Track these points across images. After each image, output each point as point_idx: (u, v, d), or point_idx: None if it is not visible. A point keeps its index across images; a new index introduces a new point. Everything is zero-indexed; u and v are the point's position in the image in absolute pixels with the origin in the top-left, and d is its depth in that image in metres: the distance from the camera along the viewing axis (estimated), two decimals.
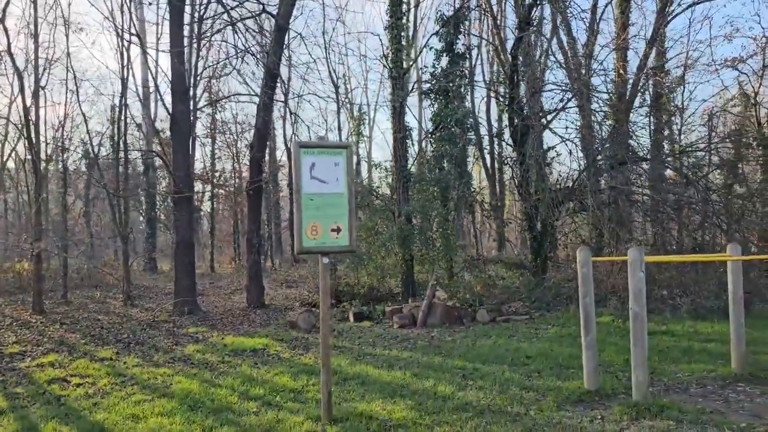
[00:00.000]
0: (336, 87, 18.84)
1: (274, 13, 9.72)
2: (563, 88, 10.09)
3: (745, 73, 12.00)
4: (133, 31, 10.84)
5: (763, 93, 12.44)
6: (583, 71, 10.67)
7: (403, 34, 9.98)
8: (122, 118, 11.45)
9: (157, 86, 11.22)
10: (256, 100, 11.07)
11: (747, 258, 4.45)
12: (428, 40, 10.69)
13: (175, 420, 3.63)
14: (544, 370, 4.90)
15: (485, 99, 20.03)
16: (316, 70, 21.54)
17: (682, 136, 13.48)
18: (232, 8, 9.47)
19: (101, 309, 10.40)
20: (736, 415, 3.36)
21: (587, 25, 10.79)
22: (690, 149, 10.71)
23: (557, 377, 4.59)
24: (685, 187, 9.95)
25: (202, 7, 10.11)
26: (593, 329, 4.13)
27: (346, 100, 21.91)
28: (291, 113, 15.39)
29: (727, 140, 11.27)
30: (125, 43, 10.77)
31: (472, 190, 12.62)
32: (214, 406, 4.01)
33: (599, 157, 9.67)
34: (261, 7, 9.71)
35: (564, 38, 11.93)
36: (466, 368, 5.24)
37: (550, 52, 12.48)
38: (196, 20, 10.56)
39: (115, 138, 13.06)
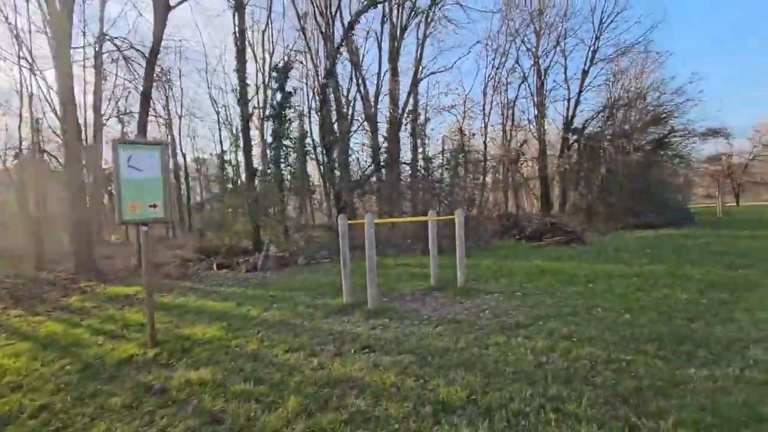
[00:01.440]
0: (216, 111, 22.66)
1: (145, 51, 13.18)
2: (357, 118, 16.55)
3: (454, 115, 20.75)
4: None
5: (467, 126, 21.44)
6: (372, 108, 17.34)
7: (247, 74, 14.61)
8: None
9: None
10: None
11: (437, 218, 7.26)
12: (268, 80, 15.96)
13: (20, 359, 4.35)
14: (327, 293, 7.11)
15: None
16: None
17: (428, 149, 21.99)
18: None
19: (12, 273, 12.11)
20: (426, 310, 5.72)
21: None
22: (431, 158, 18.53)
23: (332, 297, 6.71)
24: (426, 179, 17.59)
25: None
26: (348, 264, 6.22)
27: (226, 121, 25.19)
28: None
29: (450, 154, 19.61)
30: None
31: (309, 182, 18.25)
32: (67, 343, 4.90)
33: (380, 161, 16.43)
34: (129, 44, 13.09)
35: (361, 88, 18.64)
36: (277, 296, 7.18)
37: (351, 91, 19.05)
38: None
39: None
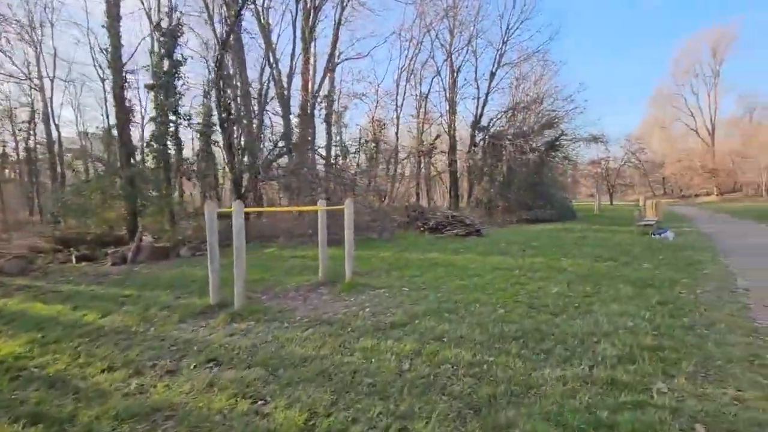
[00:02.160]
0: (102, 78, 19.27)
1: None
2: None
3: (366, 103, 20.38)
4: None
5: (381, 116, 21.26)
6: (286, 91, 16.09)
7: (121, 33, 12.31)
8: None
9: None
10: None
11: (325, 208, 6.38)
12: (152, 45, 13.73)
13: None
14: (196, 292, 6.11)
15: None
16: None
17: (345, 137, 21.46)
18: None
19: None
20: (303, 309, 5.08)
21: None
22: (341, 146, 17.89)
23: (200, 296, 5.74)
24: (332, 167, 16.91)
25: None
26: (217, 259, 5.31)
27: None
28: None
29: (359, 143, 19.22)
30: None
31: (215, 165, 16.38)
32: None
33: (280, 145, 15.32)
34: None
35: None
36: (131, 296, 6.06)
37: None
38: None
39: None
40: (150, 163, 12.46)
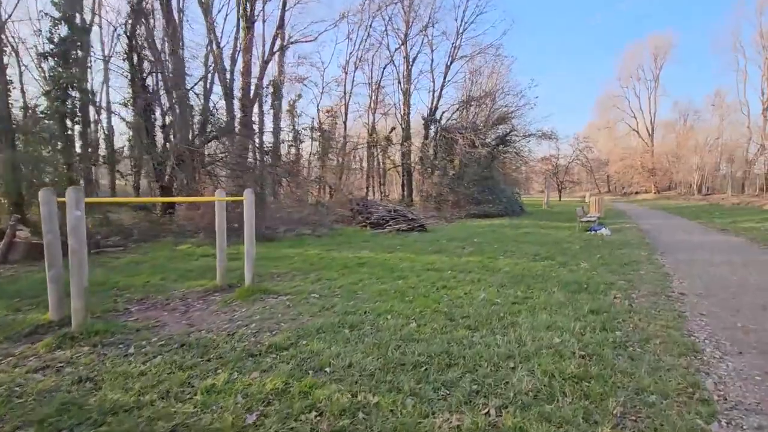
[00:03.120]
0: None
1: None
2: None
3: (309, 88, 19.08)
4: None
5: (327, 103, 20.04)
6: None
7: None
8: None
9: None
10: None
11: (224, 199, 5.30)
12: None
13: None
14: (46, 302, 4.37)
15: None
16: None
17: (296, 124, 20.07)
18: None
19: None
20: (174, 325, 4.11)
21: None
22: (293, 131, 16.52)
23: (47, 309, 4.25)
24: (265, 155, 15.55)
25: None
26: (59, 263, 4.08)
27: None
28: None
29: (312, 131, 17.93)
30: None
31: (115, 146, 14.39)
32: None
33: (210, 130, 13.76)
34: None
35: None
36: None
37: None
38: None
39: None
40: (39, 144, 10.56)
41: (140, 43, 12.36)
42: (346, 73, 23.53)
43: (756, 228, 12.98)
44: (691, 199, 38.89)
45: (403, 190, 27.71)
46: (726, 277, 6.29)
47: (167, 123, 13.28)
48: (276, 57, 21.49)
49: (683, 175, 47.63)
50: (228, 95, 18.93)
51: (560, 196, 49.26)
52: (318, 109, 17.97)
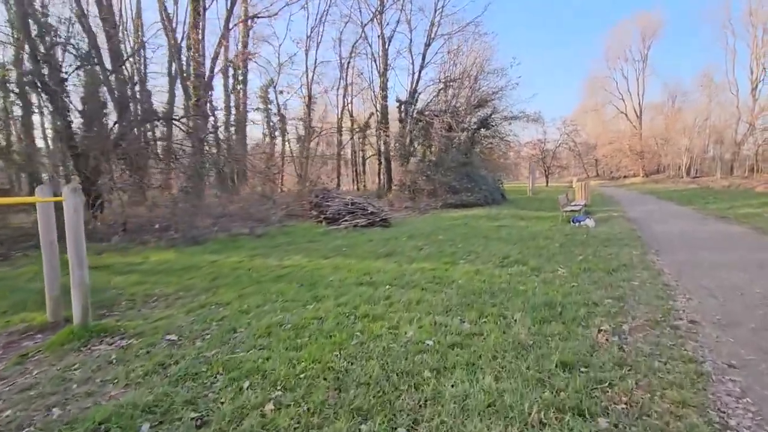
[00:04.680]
0: None
1: None
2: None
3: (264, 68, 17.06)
4: None
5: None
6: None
7: None
8: None
9: None
10: None
11: (50, 199, 3.96)
12: None
13: None
14: None
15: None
16: None
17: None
18: None
19: None
20: None
21: None
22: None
23: None
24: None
25: None
26: None
27: None
28: None
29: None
30: None
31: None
32: None
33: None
34: None
35: None
36: None
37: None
38: None
39: None
40: None
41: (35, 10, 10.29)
42: (306, 53, 21.46)
43: (757, 214, 11.61)
44: (679, 182, 37.83)
45: (379, 180, 26.02)
46: (745, 288, 4.78)
47: (86, 107, 11.30)
48: (236, 36, 19.43)
49: (672, 158, 46.61)
50: (172, 76, 16.91)
51: (547, 182, 47.97)
52: (275, 92, 16.09)
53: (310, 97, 20.51)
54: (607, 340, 3.35)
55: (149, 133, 12.70)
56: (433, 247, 7.97)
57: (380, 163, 25.91)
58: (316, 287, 5.26)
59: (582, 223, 10.47)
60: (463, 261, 6.60)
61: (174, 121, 12.32)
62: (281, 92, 16.45)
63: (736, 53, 38.90)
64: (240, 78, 21.53)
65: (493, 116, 23.33)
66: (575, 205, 13.37)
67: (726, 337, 3.39)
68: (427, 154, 21.79)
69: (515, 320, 3.86)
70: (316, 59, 21.84)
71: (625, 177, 51.47)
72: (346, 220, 11.20)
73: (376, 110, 25.81)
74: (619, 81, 53.17)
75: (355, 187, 28.46)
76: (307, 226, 11.73)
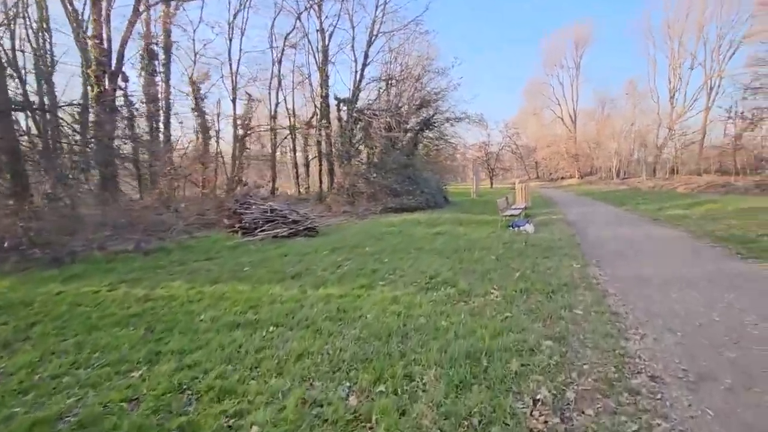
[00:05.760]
0: None
1: None
2: None
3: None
4: None
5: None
6: None
7: None
8: None
9: None
10: None
11: None
12: None
13: None
14: None
15: None
16: None
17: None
18: None
19: None
20: None
21: None
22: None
23: None
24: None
25: None
26: None
27: None
28: None
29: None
30: None
31: None
32: None
33: None
34: None
35: None
36: None
37: None
38: None
39: None
40: None
41: None
42: (230, 41, 19.49)
43: (687, 216, 11.67)
44: (611, 183, 39.94)
45: (320, 182, 24.52)
46: (702, 315, 4.03)
47: None
48: (156, 24, 16.99)
49: (603, 161, 49.36)
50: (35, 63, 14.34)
51: (492, 183, 48.92)
52: (191, 82, 14.12)
53: (234, 89, 18.55)
54: (546, 423, 2.28)
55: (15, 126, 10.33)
56: (354, 263, 6.75)
57: (321, 165, 24.45)
58: (170, 334, 3.82)
59: (521, 228, 9.79)
60: (383, 283, 5.44)
61: (43, 113, 10.07)
62: (195, 83, 14.40)
63: (656, 63, 41.77)
64: (160, 69, 19.09)
65: (435, 117, 22.75)
66: (515, 209, 12.82)
67: (700, 407, 2.45)
68: (370, 155, 20.71)
69: (424, 385, 2.72)
70: (241, 49, 19.88)
71: (562, 178, 53.86)
72: (263, 230, 9.68)
73: (316, 107, 24.30)
74: (555, 87, 55.68)
75: (297, 190, 26.71)
76: (217, 237, 10.04)
